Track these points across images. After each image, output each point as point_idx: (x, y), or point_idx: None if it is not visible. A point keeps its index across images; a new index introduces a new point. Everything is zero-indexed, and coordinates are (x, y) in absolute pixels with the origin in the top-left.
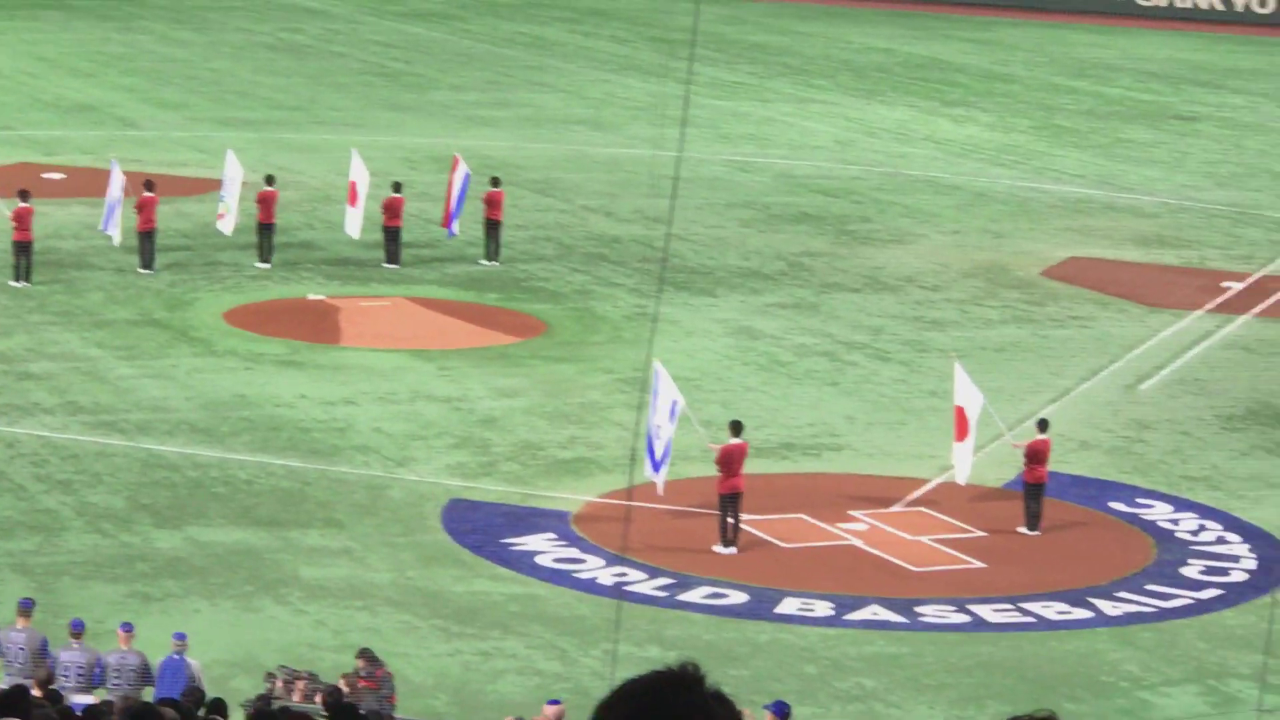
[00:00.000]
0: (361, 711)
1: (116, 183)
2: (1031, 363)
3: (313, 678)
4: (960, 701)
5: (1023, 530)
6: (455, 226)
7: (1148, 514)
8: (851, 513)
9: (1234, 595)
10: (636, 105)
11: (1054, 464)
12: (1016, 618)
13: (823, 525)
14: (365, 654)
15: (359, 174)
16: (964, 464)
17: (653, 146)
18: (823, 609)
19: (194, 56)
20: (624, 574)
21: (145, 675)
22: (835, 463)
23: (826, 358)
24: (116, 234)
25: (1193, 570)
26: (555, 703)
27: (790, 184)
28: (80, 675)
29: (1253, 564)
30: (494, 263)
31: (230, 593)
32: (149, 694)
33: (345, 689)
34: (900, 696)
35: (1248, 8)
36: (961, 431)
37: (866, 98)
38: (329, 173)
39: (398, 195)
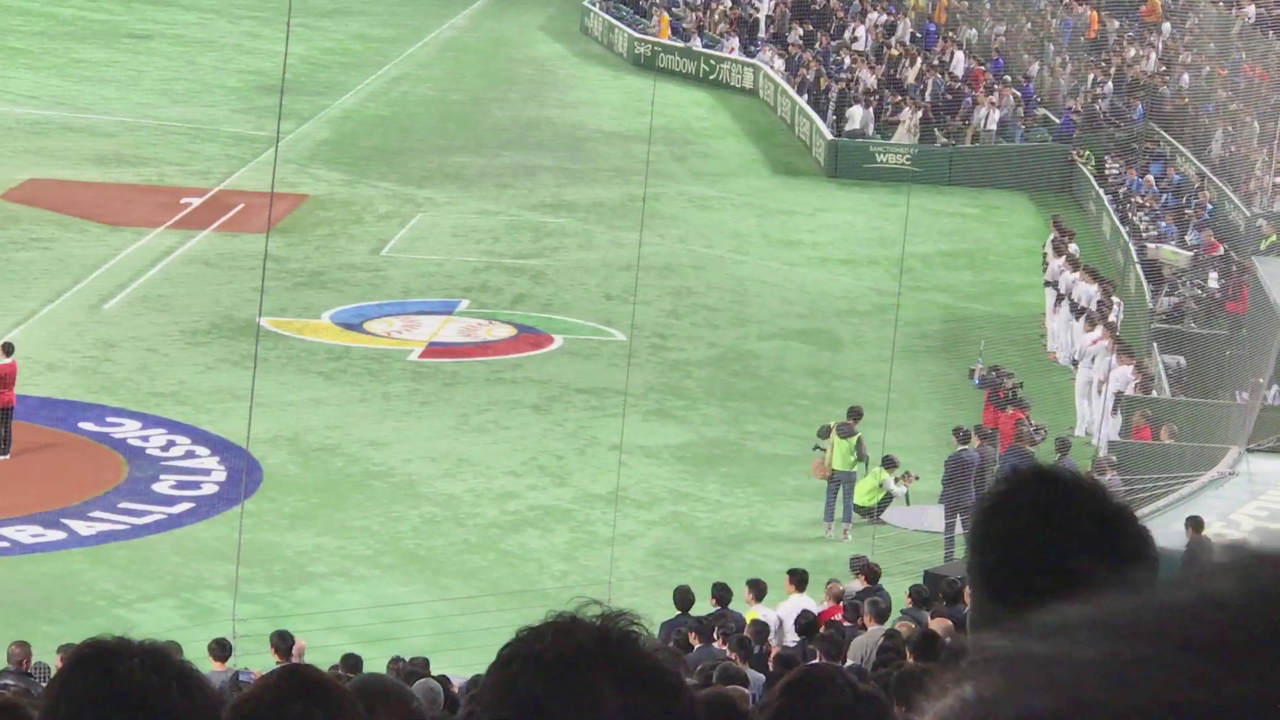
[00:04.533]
0: None
1: None
2: None
3: None
4: None
5: None
6: None
7: (118, 432)
8: None
9: (205, 508)
10: None
11: (21, 387)
12: None
13: None
14: None
15: None
16: None
17: None
18: None
19: None
20: None
21: None
22: None
23: None
24: None
25: (164, 485)
26: None
27: None
28: None
29: (223, 476)
30: None
31: None
32: None
33: None
34: None
35: None
36: None
37: None
38: None
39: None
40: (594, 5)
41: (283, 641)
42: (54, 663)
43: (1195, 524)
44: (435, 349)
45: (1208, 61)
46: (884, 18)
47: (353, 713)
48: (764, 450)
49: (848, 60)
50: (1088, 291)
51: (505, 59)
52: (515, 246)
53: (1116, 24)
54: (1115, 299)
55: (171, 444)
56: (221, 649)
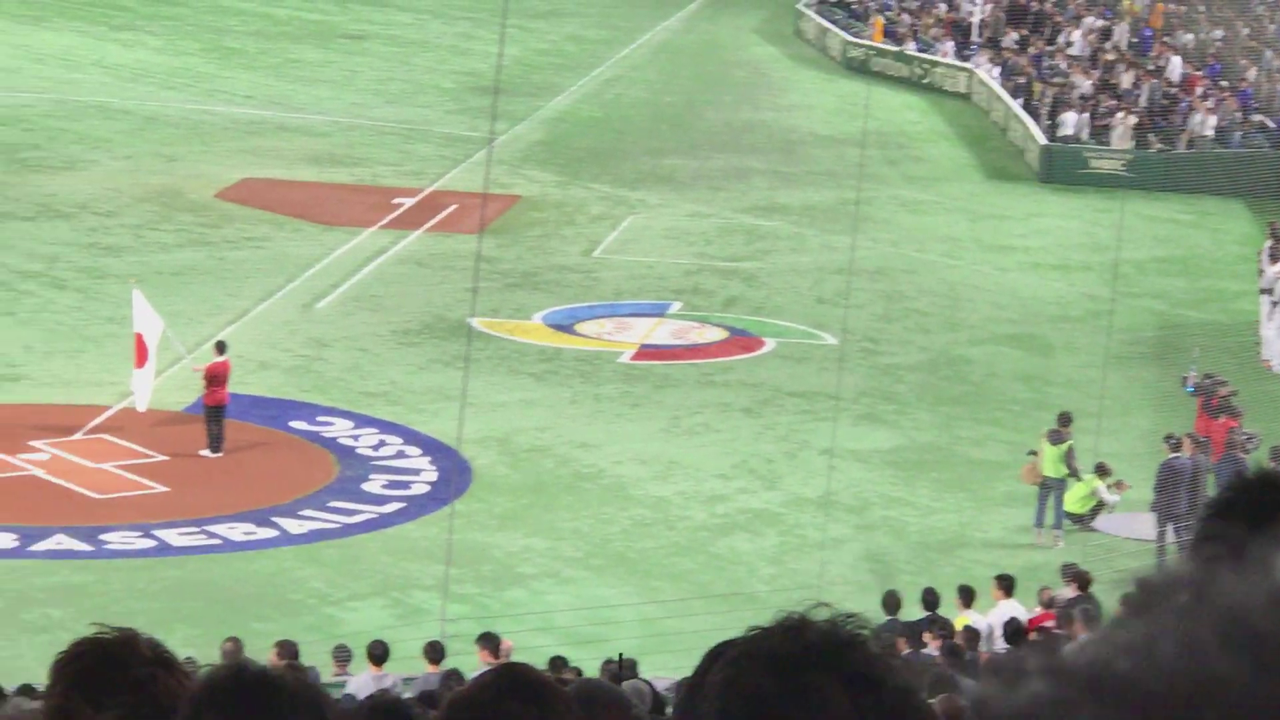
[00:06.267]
0: None
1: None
2: (209, 285)
3: None
4: (149, 627)
5: (205, 453)
6: None
7: (329, 431)
8: (32, 443)
9: (415, 508)
10: None
11: (234, 385)
12: (202, 540)
13: (3, 456)
14: None
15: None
16: (144, 391)
17: None
18: (6, 541)
19: None
20: None
21: None
22: (13, 393)
23: (1, 288)
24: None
25: (375, 485)
26: None
27: None
28: None
29: (433, 476)
30: None
31: None
32: None
33: None
34: (88, 625)
35: None
36: (141, 358)
37: (33, 24)
38: None
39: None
40: (808, 8)
41: (490, 642)
42: (269, 659)
43: None
44: (647, 351)
45: None
46: (1099, 23)
47: (567, 714)
48: (975, 456)
49: (1062, 65)
50: None
51: (719, 61)
52: (727, 249)
53: None
54: None
55: (382, 443)
56: (434, 651)
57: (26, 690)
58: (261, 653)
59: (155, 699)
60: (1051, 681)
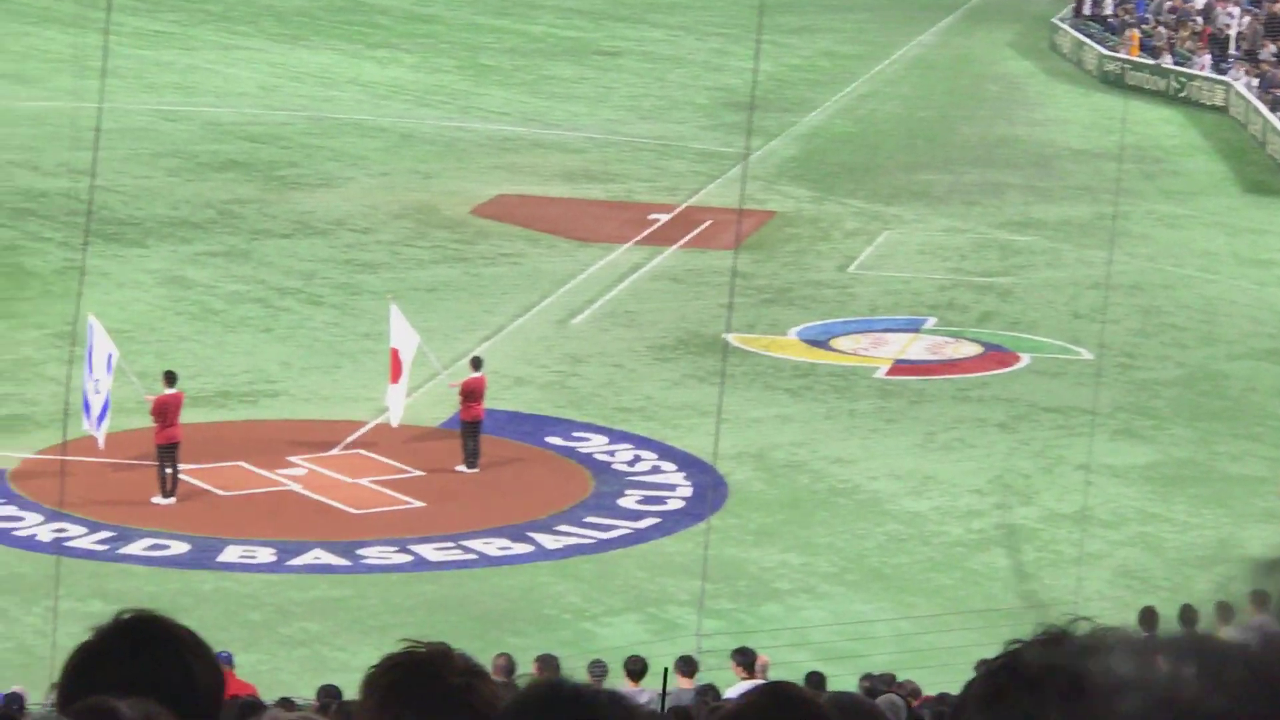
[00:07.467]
0: None
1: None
2: (464, 301)
3: None
4: (406, 642)
5: (461, 468)
6: None
7: (584, 447)
8: (290, 458)
9: (671, 523)
10: (58, 57)
11: (490, 401)
12: (458, 555)
13: (262, 472)
14: None
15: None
16: (397, 406)
17: (76, 98)
18: (265, 555)
19: None
20: (63, 529)
21: None
22: (272, 409)
23: (259, 304)
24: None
25: (630, 500)
26: None
27: (217, 131)
28: None
29: (688, 492)
30: None
31: None
32: None
33: None
34: (346, 639)
35: None
36: (395, 374)
37: (290, 43)
38: None
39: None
40: (1063, 22)
41: (745, 657)
42: (530, 672)
43: None
44: (902, 366)
45: None
46: None
47: None
48: (1233, 471)
49: None
50: None
51: (973, 76)
52: (982, 264)
53: None
54: None
55: (638, 459)
56: (687, 665)
57: (285, 703)
58: (523, 666)
59: (471, 709)
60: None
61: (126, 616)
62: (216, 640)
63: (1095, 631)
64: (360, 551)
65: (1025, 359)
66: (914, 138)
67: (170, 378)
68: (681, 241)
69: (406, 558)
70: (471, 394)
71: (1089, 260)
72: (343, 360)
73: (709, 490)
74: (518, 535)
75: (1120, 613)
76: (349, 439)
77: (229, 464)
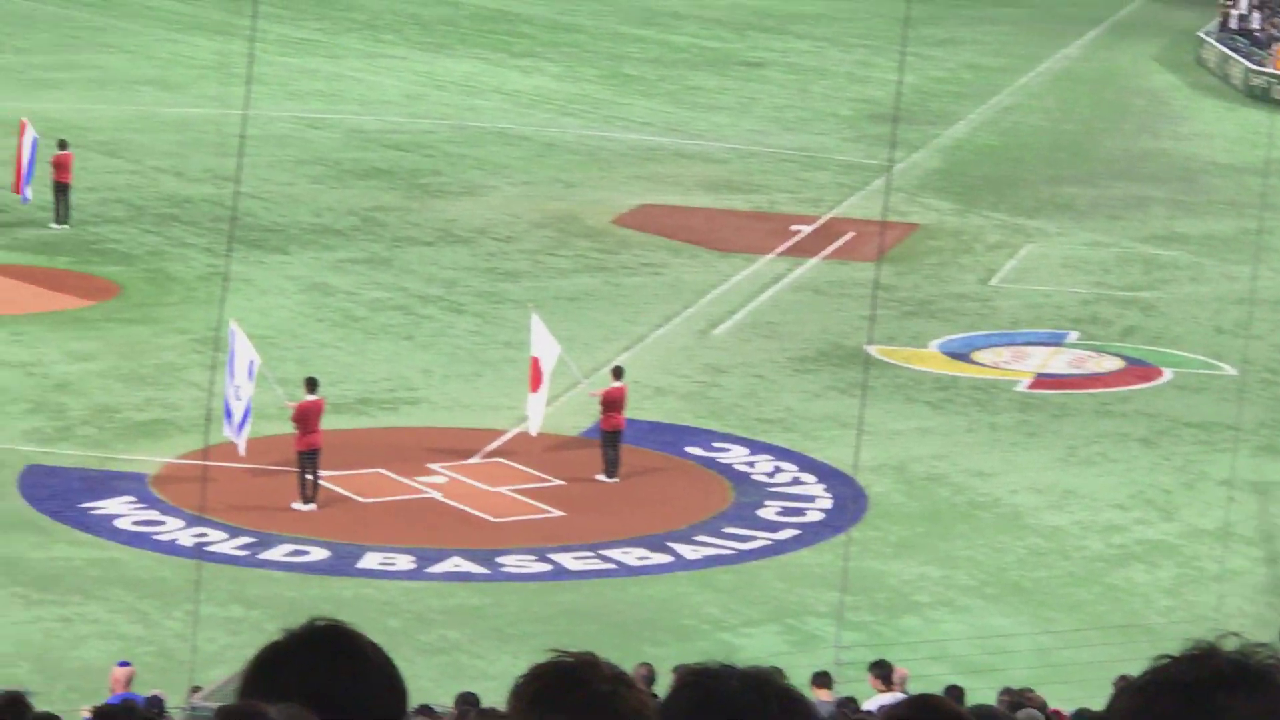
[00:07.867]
0: None
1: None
2: (605, 311)
3: None
4: (544, 650)
5: (601, 478)
6: (28, 192)
7: (724, 457)
8: (430, 466)
9: (810, 535)
10: (203, 64)
11: (630, 411)
12: (597, 564)
13: (402, 479)
14: None
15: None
16: (536, 415)
17: (221, 105)
18: (404, 563)
19: None
20: (204, 534)
21: None
22: (413, 416)
23: (401, 312)
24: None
25: (770, 512)
26: (125, 664)
27: (361, 139)
28: None
29: (828, 503)
30: (64, 226)
31: None
32: None
33: None
34: (484, 647)
35: None
36: (535, 382)
37: (435, 51)
38: None
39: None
40: (1209, 36)
41: (883, 670)
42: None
43: None
44: (1043, 380)
45: None
46: None
47: None
48: None
49: None
50: None
51: (1118, 89)
52: (1126, 278)
53: None
54: None
55: (778, 470)
56: (825, 677)
57: (425, 711)
58: (662, 677)
59: (618, 716)
60: None
61: (320, 624)
62: None
63: (1244, 647)
64: (499, 560)
65: (1168, 374)
66: (1057, 151)
67: (311, 384)
68: (824, 253)
69: (546, 566)
70: (612, 403)
71: (1233, 275)
72: (483, 369)
73: (849, 502)
74: (657, 545)
75: (1263, 630)
76: (489, 447)
77: (369, 471)
